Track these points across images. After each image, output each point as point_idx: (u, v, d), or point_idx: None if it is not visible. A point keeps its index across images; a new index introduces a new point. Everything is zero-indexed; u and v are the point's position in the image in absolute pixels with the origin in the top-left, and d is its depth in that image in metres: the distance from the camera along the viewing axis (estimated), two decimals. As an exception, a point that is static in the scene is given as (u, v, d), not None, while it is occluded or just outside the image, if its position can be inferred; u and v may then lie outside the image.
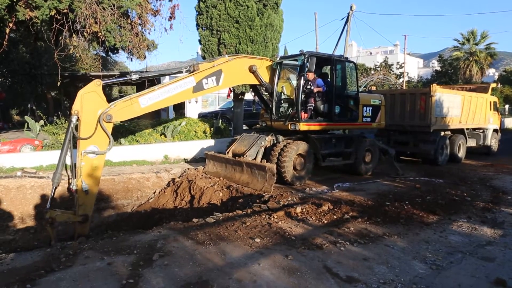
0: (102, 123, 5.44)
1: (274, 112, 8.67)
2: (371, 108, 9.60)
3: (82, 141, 5.39)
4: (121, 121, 13.05)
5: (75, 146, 5.69)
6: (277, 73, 8.45)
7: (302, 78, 8.10)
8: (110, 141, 5.56)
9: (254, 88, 8.98)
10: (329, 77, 8.96)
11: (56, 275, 3.49)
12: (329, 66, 8.97)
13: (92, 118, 5.46)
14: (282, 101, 8.95)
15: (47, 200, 7.44)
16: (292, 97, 8.62)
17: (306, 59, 7.95)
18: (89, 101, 5.43)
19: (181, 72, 6.84)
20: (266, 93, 8.92)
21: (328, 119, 8.71)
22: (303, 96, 8.26)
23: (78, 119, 5.38)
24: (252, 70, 7.93)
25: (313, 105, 8.45)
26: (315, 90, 8.47)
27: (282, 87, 9.00)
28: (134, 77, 6.25)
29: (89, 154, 5.41)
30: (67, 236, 6.75)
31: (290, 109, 8.62)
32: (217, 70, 7.13)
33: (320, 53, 9.17)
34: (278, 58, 8.45)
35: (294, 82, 8.60)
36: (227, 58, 7.43)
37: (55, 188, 5.35)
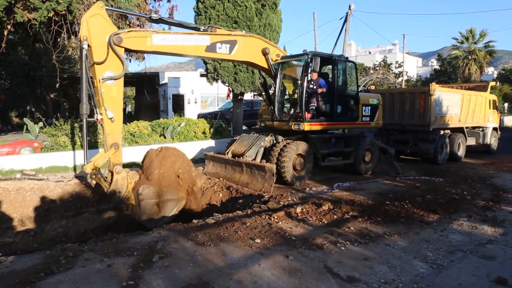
0: (113, 46, 5.40)
1: (276, 112, 8.65)
2: (369, 107, 9.60)
3: (98, 68, 5.39)
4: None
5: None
6: (279, 73, 8.43)
7: (306, 78, 8.09)
8: (123, 64, 5.59)
9: (261, 83, 8.90)
10: (330, 77, 8.95)
11: (56, 277, 3.49)
12: (330, 66, 8.95)
13: (102, 42, 5.40)
14: (284, 101, 8.92)
15: (47, 202, 7.48)
16: (294, 97, 8.59)
17: (310, 59, 7.94)
18: (95, 25, 5.36)
19: (199, 29, 7.01)
20: (272, 87, 8.87)
21: (330, 119, 8.69)
22: (305, 96, 8.24)
23: (88, 46, 5.35)
24: (264, 53, 8.05)
25: (315, 105, 8.44)
26: (319, 91, 8.45)
27: (285, 87, 8.96)
28: (154, 16, 6.68)
29: (107, 80, 5.43)
30: (66, 238, 6.76)
31: (293, 109, 8.59)
32: (233, 39, 7.26)
33: (322, 53, 9.15)
34: (280, 58, 8.42)
35: (296, 82, 8.57)
36: (244, 32, 7.61)
37: (86, 119, 5.51)
